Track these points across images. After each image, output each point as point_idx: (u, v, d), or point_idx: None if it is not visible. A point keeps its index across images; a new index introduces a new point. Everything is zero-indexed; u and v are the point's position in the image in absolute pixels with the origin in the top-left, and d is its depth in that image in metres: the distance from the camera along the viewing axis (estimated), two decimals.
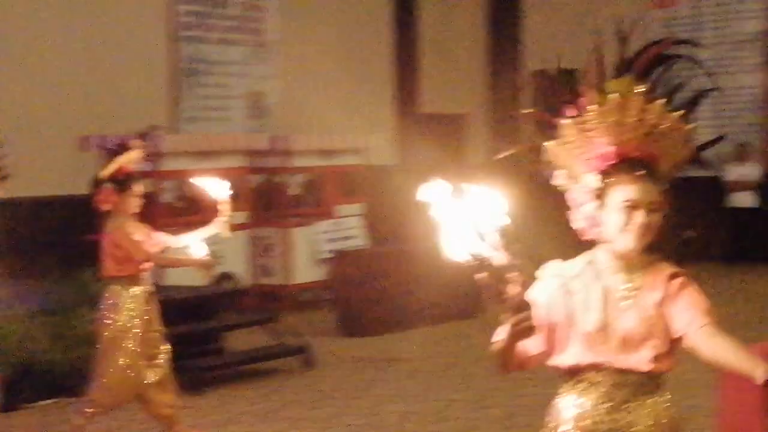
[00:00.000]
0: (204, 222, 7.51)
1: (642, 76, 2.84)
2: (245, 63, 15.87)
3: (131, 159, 7.12)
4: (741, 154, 16.66)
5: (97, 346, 7.21)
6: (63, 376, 8.98)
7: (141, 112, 13.34)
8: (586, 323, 3.25)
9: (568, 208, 3.38)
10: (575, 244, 3.44)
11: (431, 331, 12.01)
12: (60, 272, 10.03)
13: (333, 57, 16.51)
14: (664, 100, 3.22)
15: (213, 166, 12.71)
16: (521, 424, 8.04)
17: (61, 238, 12.47)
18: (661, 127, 3.23)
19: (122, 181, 7.04)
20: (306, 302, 14.18)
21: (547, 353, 3.31)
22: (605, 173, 3.25)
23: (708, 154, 12.93)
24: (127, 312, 7.05)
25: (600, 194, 3.25)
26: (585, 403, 3.28)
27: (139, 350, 7.09)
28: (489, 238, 2.82)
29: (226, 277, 13.09)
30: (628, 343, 3.23)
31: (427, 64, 18.59)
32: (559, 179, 3.38)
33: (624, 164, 3.23)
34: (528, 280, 2.91)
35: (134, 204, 7.11)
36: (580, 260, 3.35)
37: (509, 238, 2.83)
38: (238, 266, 13.55)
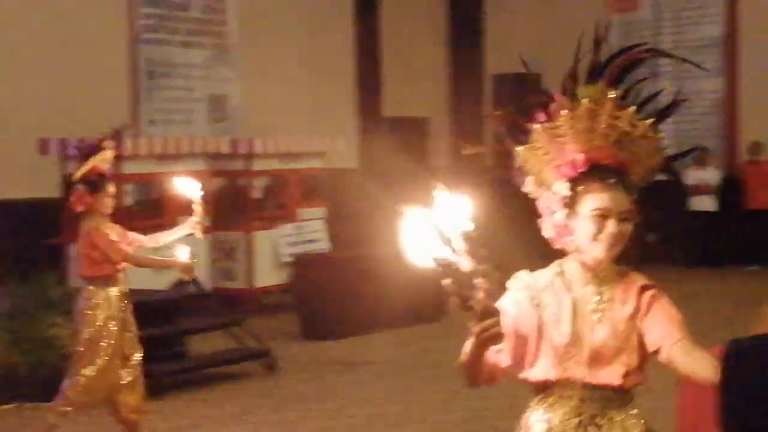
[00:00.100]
0: (166, 225, 7.51)
1: (614, 83, 2.76)
2: (207, 66, 15.83)
3: (104, 159, 7.11)
4: (701, 159, 16.79)
5: (75, 345, 7.20)
6: (23, 381, 8.92)
7: (102, 114, 13.20)
8: (556, 337, 3.19)
9: (537, 215, 3.31)
10: (545, 253, 3.38)
11: (395, 334, 12.02)
12: (20, 276, 9.96)
13: (295, 60, 16.51)
14: (635, 108, 3.16)
15: (174, 169, 12.67)
16: (485, 426, 8.06)
17: (21, 242, 12.38)
18: (632, 134, 3.16)
19: (95, 182, 7.04)
20: (268, 306, 14.14)
21: (516, 366, 3.23)
22: (575, 181, 3.18)
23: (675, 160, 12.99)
24: (104, 312, 7.05)
25: (570, 202, 3.19)
26: (553, 419, 3.21)
27: (115, 350, 7.10)
28: (454, 243, 2.75)
29: (187, 280, 13.01)
30: (599, 358, 3.17)
31: (389, 68, 18.62)
32: (528, 186, 3.31)
33: (594, 172, 3.16)
34: (494, 287, 2.80)
35: (108, 204, 7.11)
36: (550, 271, 3.28)
37: (474, 244, 2.76)
38: (200, 270, 13.49)
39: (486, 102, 19.78)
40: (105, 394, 7.18)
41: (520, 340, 3.20)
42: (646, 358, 3.19)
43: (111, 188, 7.11)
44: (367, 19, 18.40)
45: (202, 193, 7.33)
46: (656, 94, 3.31)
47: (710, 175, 17.05)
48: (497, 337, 2.85)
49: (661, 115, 3.23)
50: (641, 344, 3.17)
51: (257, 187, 14.43)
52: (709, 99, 17.76)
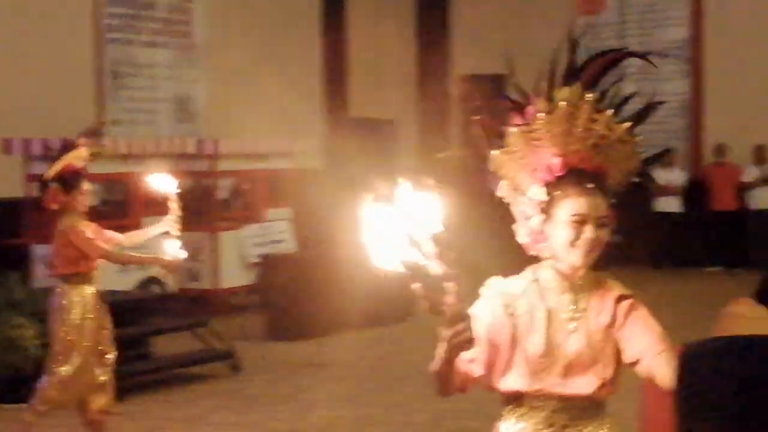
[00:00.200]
0: (131, 226, 7.49)
1: (591, 85, 2.70)
2: (172, 66, 15.76)
3: (78, 156, 7.07)
4: (667, 160, 16.88)
5: (51, 344, 7.17)
6: None
7: (66, 114, 13.15)
8: (529, 347, 3.11)
9: (512, 219, 3.24)
10: (520, 258, 3.29)
11: (361, 336, 12.01)
12: None
13: (261, 60, 16.45)
14: (612, 111, 3.11)
15: (139, 169, 12.60)
16: (449, 428, 8.06)
17: None
18: (609, 138, 3.11)
19: (69, 180, 7.02)
20: (234, 307, 14.09)
21: (489, 376, 3.15)
22: (551, 185, 3.11)
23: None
24: (79, 310, 7.02)
25: (546, 207, 3.12)
26: (524, 429, 3.14)
27: (91, 349, 7.08)
28: (423, 246, 2.68)
29: (153, 281, 12.96)
30: (573, 368, 3.11)
31: (356, 68, 18.61)
32: (503, 190, 3.24)
33: (571, 176, 3.10)
34: (464, 291, 2.74)
35: (83, 202, 7.09)
36: (524, 278, 3.21)
37: (444, 247, 2.68)
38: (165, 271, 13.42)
39: (453, 103, 19.82)
40: (81, 393, 7.16)
41: (493, 349, 3.13)
42: (620, 368, 3.14)
43: (86, 186, 7.09)
44: (334, 19, 18.38)
45: (179, 190, 7.30)
46: (631, 97, 3.24)
47: (675, 176, 17.15)
48: (468, 343, 2.78)
49: (638, 118, 3.17)
50: (617, 355, 3.12)
51: (223, 188, 14.38)
52: (674, 101, 17.85)
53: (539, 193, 3.13)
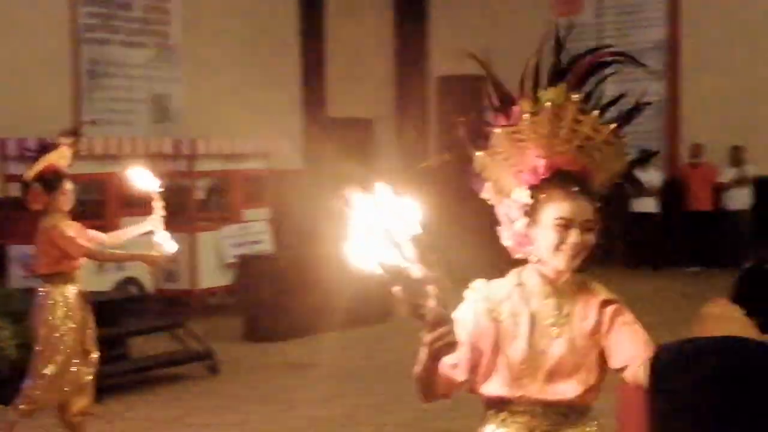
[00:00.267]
0: (108, 227, 7.48)
1: (576, 86, 2.65)
2: (149, 66, 15.70)
3: (60, 156, 7.05)
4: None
5: (35, 344, 7.12)
6: None
7: (42, 114, 13.10)
8: (512, 352, 3.07)
9: (497, 222, 3.19)
10: (503, 262, 3.25)
11: (339, 337, 11.98)
12: None
13: (239, 60, 16.43)
14: (598, 112, 3.05)
15: (116, 169, 12.55)
16: (429, 428, 8.06)
17: None
18: (595, 139, 3.06)
19: (51, 180, 7.00)
20: (212, 307, 14.07)
21: (472, 381, 3.12)
22: (536, 188, 3.07)
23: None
24: (62, 310, 7.00)
25: (531, 211, 3.07)
26: None
27: (74, 348, 7.06)
28: (404, 249, 2.62)
29: (130, 282, 12.92)
30: (556, 374, 3.07)
31: (334, 68, 18.59)
32: (487, 192, 3.19)
33: (557, 179, 3.05)
34: (445, 294, 2.67)
35: (65, 202, 7.06)
36: (509, 281, 3.16)
37: (424, 249, 2.63)
38: (143, 271, 13.37)
39: (431, 104, 19.83)
40: (66, 394, 7.13)
41: (476, 354, 3.09)
42: (605, 374, 3.11)
43: (68, 186, 7.06)
44: (312, 19, 18.35)
45: (162, 189, 7.27)
46: (618, 98, 3.19)
47: (652, 176, 17.20)
48: (450, 347, 2.73)
49: (624, 118, 3.12)
50: (601, 361, 3.09)
51: (200, 188, 14.34)
52: (651, 102, 17.89)
53: (524, 195, 3.08)
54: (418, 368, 2.91)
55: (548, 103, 3.01)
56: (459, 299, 3.11)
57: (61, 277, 7.03)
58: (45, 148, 7.13)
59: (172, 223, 13.77)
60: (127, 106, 15.38)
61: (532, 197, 3.07)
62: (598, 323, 3.08)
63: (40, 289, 7.09)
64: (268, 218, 14.92)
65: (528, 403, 3.09)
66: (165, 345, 10.69)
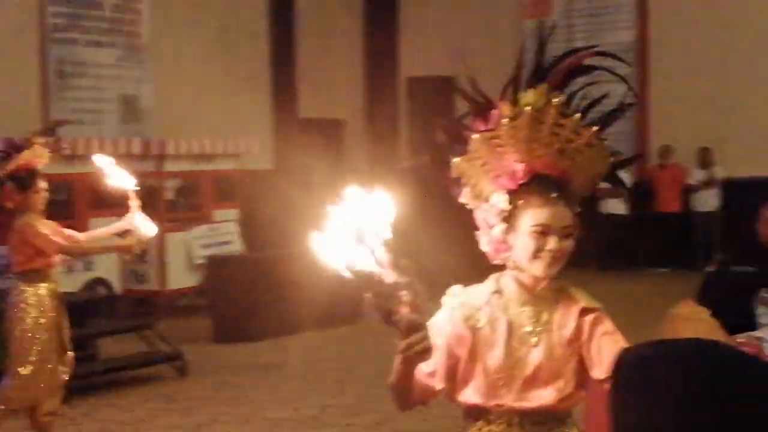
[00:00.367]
0: (77, 227, 7.46)
1: (557, 88, 2.58)
2: (118, 66, 15.62)
3: (34, 155, 7.02)
4: None
5: (9, 344, 7.10)
6: None
7: (11, 114, 13.02)
8: (489, 360, 3.02)
9: (475, 226, 3.13)
10: (482, 266, 3.20)
11: (309, 337, 11.97)
12: None
13: (209, 60, 16.38)
14: (579, 114, 2.97)
15: (84, 170, 12.49)
16: (397, 429, 8.06)
17: None
18: (576, 142, 2.99)
19: (24, 179, 6.98)
20: (181, 308, 14.02)
21: (450, 389, 3.07)
22: (514, 193, 3.01)
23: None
24: (35, 309, 6.98)
25: (508, 217, 3.02)
26: None
27: (48, 347, 7.05)
28: (376, 253, 2.57)
29: (98, 282, 12.85)
30: (533, 382, 3.02)
31: (304, 69, 18.57)
32: (465, 197, 3.13)
33: (535, 184, 2.99)
34: (418, 300, 2.60)
35: (39, 200, 7.04)
36: (486, 288, 3.10)
37: (397, 254, 2.58)
38: (111, 272, 13.32)
39: (401, 104, 19.84)
40: (41, 393, 7.11)
41: (453, 361, 3.04)
42: (584, 383, 3.06)
43: (42, 184, 7.05)
44: (282, 19, 18.33)
45: (138, 188, 7.24)
46: (601, 99, 3.14)
47: (621, 178, 17.27)
48: (425, 354, 2.68)
49: (607, 120, 3.07)
50: (581, 369, 3.04)
51: (169, 189, 14.28)
52: (634, 103, 17.94)
53: (501, 201, 3.03)
54: (393, 376, 2.87)
55: (527, 108, 2.94)
56: (434, 304, 3.05)
57: (36, 275, 7.03)
58: (15, 147, 7.09)
59: None
60: (95, 106, 15.29)
61: (509, 203, 3.02)
62: (578, 332, 3.04)
63: (13, 287, 7.06)
64: (238, 219, 14.89)
65: (504, 412, 3.04)
66: (134, 346, 10.64)
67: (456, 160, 3.07)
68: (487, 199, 3.08)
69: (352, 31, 19.85)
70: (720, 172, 17.05)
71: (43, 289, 7.03)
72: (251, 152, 15.21)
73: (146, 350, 10.55)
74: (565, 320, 3.05)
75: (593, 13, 18.77)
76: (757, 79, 17.14)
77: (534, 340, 3.04)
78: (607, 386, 2.99)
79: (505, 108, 2.98)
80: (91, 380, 9.69)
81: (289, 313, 11.90)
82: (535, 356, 3.03)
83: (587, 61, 3.12)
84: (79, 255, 7.53)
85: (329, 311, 12.21)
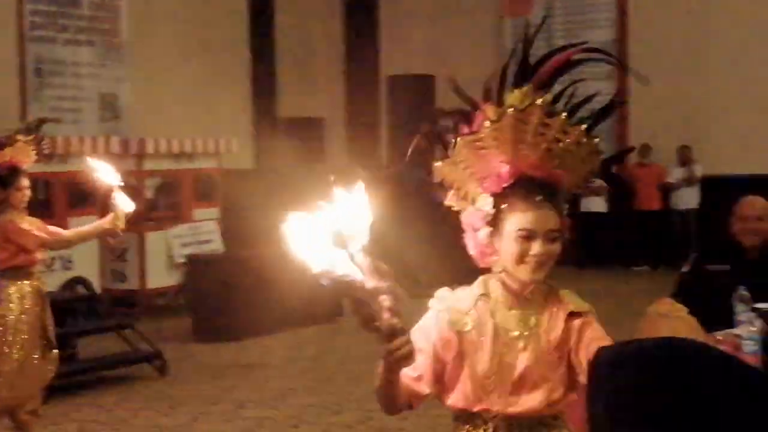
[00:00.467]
0: (56, 226, 7.46)
1: (544, 86, 2.53)
2: (97, 64, 15.57)
3: (16, 152, 6.99)
4: None
5: None
6: None
7: None
8: (476, 365, 2.99)
9: (460, 230, 3.08)
10: (468, 270, 3.16)
11: (289, 336, 11.96)
12: None
13: (188, 58, 16.34)
14: (566, 113, 2.92)
15: (63, 169, 12.46)
16: (378, 428, 8.06)
17: None
18: (563, 142, 2.92)
19: (6, 176, 6.96)
20: (161, 308, 13.98)
21: (438, 392, 3.04)
22: (499, 196, 2.96)
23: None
24: (17, 306, 6.97)
25: (493, 221, 2.96)
26: None
27: (31, 345, 7.02)
28: (355, 258, 2.51)
29: (77, 282, 12.80)
30: (520, 387, 2.98)
31: (284, 67, 18.55)
32: (451, 200, 3.08)
33: (521, 186, 2.94)
34: (399, 305, 2.54)
35: (20, 198, 7.02)
36: (474, 291, 3.05)
37: (376, 257, 2.52)
38: (91, 271, 13.27)
39: (382, 103, 19.84)
40: (32, 389, 7.11)
41: (440, 365, 3.01)
42: (574, 386, 3.01)
43: (24, 182, 7.03)
44: (262, 17, 18.30)
45: (122, 183, 7.22)
46: (591, 97, 3.10)
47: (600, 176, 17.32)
48: (407, 359, 2.63)
49: (597, 118, 3.03)
50: (570, 374, 3.00)
51: (149, 187, 14.24)
52: (600, 102, 17.98)
53: (486, 204, 2.98)
54: (377, 381, 2.84)
55: (510, 110, 2.88)
56: (417, 307, 3.02)
57: (19, 271, 7.01)
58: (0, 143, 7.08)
59: None
60: (74, 104, 15.24)
61: (494, 206, 2.96)
62: (566, 336, 3.00)
63: None
64: (218, 218, 14.86)
65: (491, 416, 3.01)
66: (113, 345, 10.60)
67: (437, 164, 3.03)
68: (474, 201, 3.03)
69: (332, 29, 19.84)
70: (699, 170, 17.12)
71: (26, 286, 7.01)
72: (231, 151, 15.18)
73: (126, 349, 10.51)
74: (553, 324, 3.02)
75: (572, 11, 18.81)
76: (736, 77, 17.22)
77: (521, 344, 3.01)
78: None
79: (489, 110, 2.94)
80: (70, 380, 9.66)
81: (269, 312, 11.88)
82: (522, 361, 2.99)
83: (576, 56, 3.07)
84: (61, 247, 7.54)
85: (310, 310, 12.21)
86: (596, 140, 3.00)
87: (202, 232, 14.48)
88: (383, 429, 7.97)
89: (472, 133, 2.96)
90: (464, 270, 3.26)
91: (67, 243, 7.72)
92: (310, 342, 11.78)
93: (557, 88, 3.02)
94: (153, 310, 13.73)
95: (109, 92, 15.70)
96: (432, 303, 3.06)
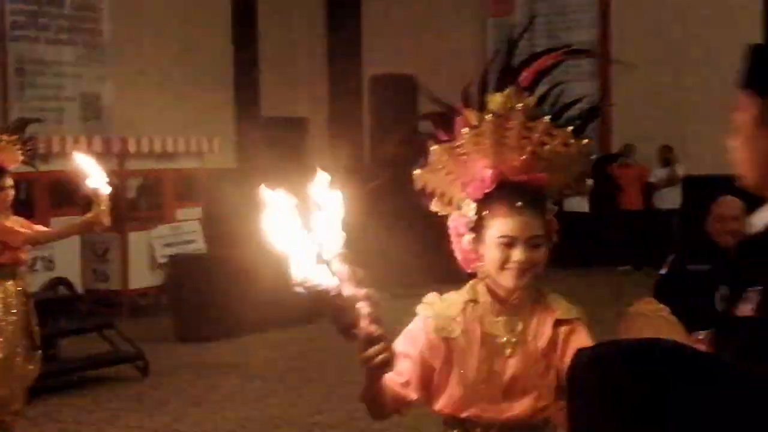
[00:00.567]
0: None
1: (527, 88, 2.50)
2: (79, 64, 15.52)
3: (5, 152, 6.97)
4: None
5: None
6: None
7: None
8: (464, 371, 2.96)
9: (446, 234, 3.06)
10: (455, 275, 3.14)
11: (271, 337, 11.95)
12: None
13: (171, 58, 16.31)
14: (552, 115, 2.88)
15: (45, 169, 12.40)
16: (361, 428, 8.05)
17: None
18: (549, 145, 2.89)
19: None
20: (143, 308, 13.94)
21: (425, 397, 3.01)
22: (482, 202, 2.92)
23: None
24: (1, 305, 6.92)
25: (475, 227, 2.93)
26: None
27: (14, 344, 7.02)
28: (333, 265, 2.47)
29: (59, 282, 12.76)
30: (509, 393, 2.96)
31: (267, 67, 18.53)
32: (435, 205, 3.05)
33: (503, 191, 2.90)
34: (377, 311, 2.51)
35: (5, 197, 7.01)
36: (461, 297, 3.02)
37: (354, 264, 2.48)
38: (73, 271, 13.23)
39: (364, 102, 19.83)
40: (17, 388, 7.09)
41: (427, 370, 2.99)
42: (562, 393, 2.93)
43: (8, 182, 7.03)
44: (245, 17, 18.27)
45: (107, 180, 7.19)
46: (579, 100, 3.07)
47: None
48: (386, 365, 2.60)
49: (585, 119, 3.00)
50: (558, 380, 2.94)
51: (131, 187, 14.20)
52: (583, 102, 18.02)
53: (469, 210, 2.95)
54: (362, 388, 2.83)
55: (489, 116, 2.85)
56: (402, 306, 3.00)
57: (3, 270, 7.00)
58: None
59: None
60: (56, 104, 15.19)
61: (476, 213, 2.93)
62: (552, 344, 2.98)
63: None
64: (201, 218, 14.83)
65: (480, 422, 2.99)
66: (95, 346, 10.57)
67: (417, 171, 3.01)
68: (458, 206, 3.01)
69: (315, 29, 19.83)
70: (681, 170, 17.17)
71: (10, 285, 6.99)
72: (214, 151, 15.17)
73: (108, 350, 10.48)
74: (541, 331, 3.00)
75: (555, 11, 18.84)
76: (716, 77, 17.26)
77: (509, 351, 2.98)
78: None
79: (469, 115, 2.91)
80: (51, 380, 9.62)
81: (252, 312, 11.86)
82: (510, 367, 2.98)
83: (560, 57, 3.04)
84: (45, 241, 7.54)
85: (291, 310, 12.16)
86: (585, 141, 2.96)
87: (184, 232, 14.46)
88: (366, 429, 7.96)
89: (450, 139, 2.93)
90: (449, 271, 3.24)
91: (54, 237, 7.73)
92: (293, 342, 11.77)
93: (542, 89, 2.99)
94: (135, 311, 13.70)
95: (91, 92, 15.65)
96: (420, 309, 3.03)
